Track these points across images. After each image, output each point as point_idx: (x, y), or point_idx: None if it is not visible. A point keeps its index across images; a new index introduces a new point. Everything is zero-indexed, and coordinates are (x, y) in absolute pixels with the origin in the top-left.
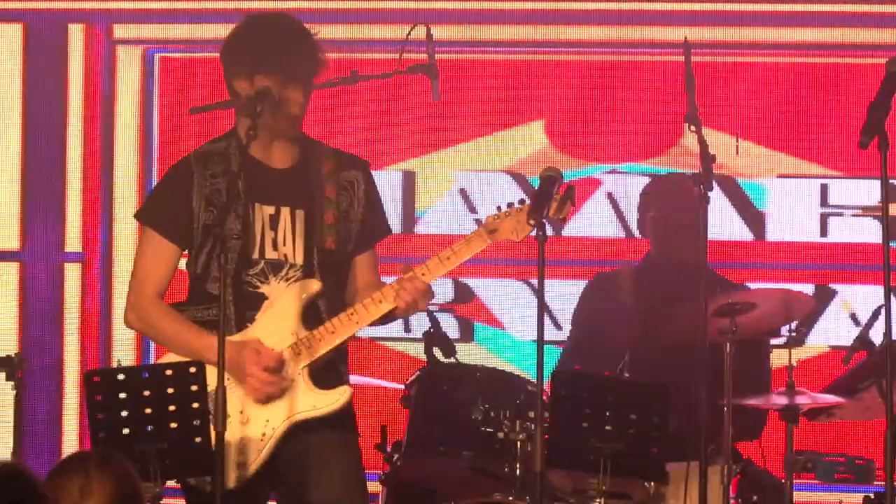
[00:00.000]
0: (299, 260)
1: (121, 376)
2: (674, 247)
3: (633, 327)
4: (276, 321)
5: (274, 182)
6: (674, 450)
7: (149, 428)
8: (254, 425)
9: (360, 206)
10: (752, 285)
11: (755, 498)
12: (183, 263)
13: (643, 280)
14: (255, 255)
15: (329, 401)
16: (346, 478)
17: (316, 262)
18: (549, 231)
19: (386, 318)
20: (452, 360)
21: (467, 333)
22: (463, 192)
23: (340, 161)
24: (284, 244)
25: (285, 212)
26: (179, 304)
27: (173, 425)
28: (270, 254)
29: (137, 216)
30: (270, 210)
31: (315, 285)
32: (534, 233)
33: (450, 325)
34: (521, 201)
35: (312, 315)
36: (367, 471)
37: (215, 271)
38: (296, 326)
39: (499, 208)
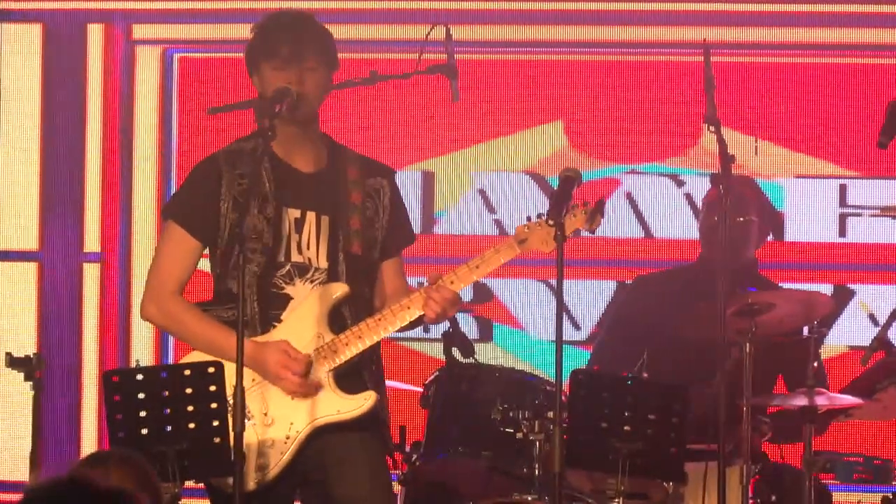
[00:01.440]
0: (323, 264)
1: (139, 376)
2: (735, 250)
3: (657, 327)
4: (302, 323)
5: (300, 185)
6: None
7: (168, 428)
8: (278, 427)
9: (385, 214)
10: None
11: (774, 498)
12: (204, 264)
13: (695, 282)
14: (281, 258)
15: (353, 406)
16: (369, 474)
17: (342, 266)
18: (571, 232)
19: (413, 324)
20: (471, 360)
21: (486, 334)
22: (482, 192)
23: (366, 167)
24: (308, 248)
25: (311, 216)
26: (204, 303)
27: (192, 425)
28: (295, 257)
29: (164, 211)
30: (296, 213)
31: (342, 288)
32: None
33: (469, 326)
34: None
35: (338, 319)
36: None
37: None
38: (321, 329)
39: (528, 218)
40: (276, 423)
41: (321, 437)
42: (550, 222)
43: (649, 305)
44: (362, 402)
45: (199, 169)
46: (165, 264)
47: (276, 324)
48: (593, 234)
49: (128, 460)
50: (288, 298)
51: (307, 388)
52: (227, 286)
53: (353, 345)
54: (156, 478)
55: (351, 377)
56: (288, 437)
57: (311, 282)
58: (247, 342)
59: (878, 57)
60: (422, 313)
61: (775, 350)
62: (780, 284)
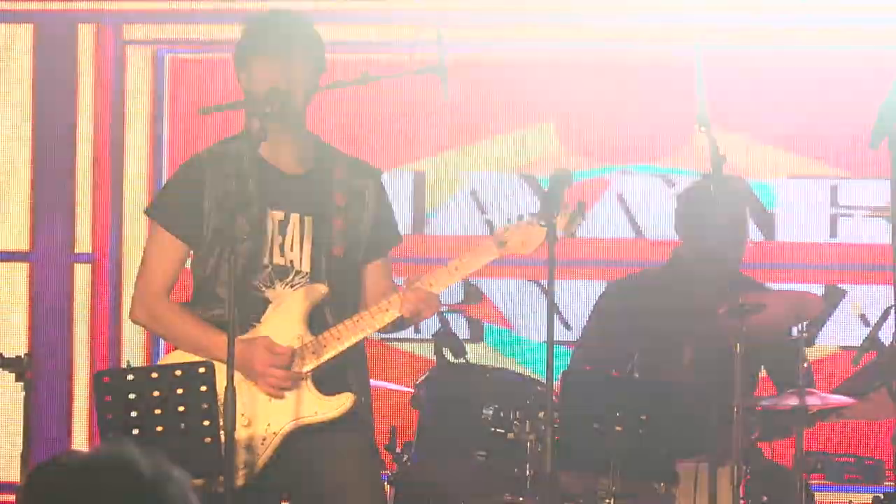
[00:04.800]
0: (306, 267)
1: (130, 377)
2: (709, 247)
3: (644, 331)
4: (282, 324)
5: (285, 187)
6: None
7: (158, 428)
8: (254, 428)
9: (369, 215)
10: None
11: (765, 498)
12: (188, 264)
13: (671, 281)
14: (264, 260)
15: (331, 406)
16: (357, 476)
17: (323, 269)
18: (559, 232)
19: (396, 326)
20: (462, 360)
21: (477, 334)
22: (473, 192)
23: (352, 168)
24: (292, 250)
25: (294, 218)
26: (185, 304)
27: (183, 426)
28: (278, 259)
29: (147, 211)
30: (280, 215)
31: (321, 289)
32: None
33: (459, 326)
34: (532, 214)
35: (318, 320)
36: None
37: (224, 274)
38: (301, 330)
39: (508, 220)
40: (253, 423)
41: (304, 439)
42: (541, 223)
43: (628, 307)
44: (340, 403)
45: (182, 170)
46: (150, 267)
47: (255, 325)
48: (572, 236)
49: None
50: (268, 303)
51: (288, 384)
52: (209, 287)
53: (332, 346)
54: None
55: (332, 378)
56: (265, 438)
57: (292, 286)
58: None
59: (870, 57)
60: (400, 314)
61: (760, 350)
62: (766, 284)
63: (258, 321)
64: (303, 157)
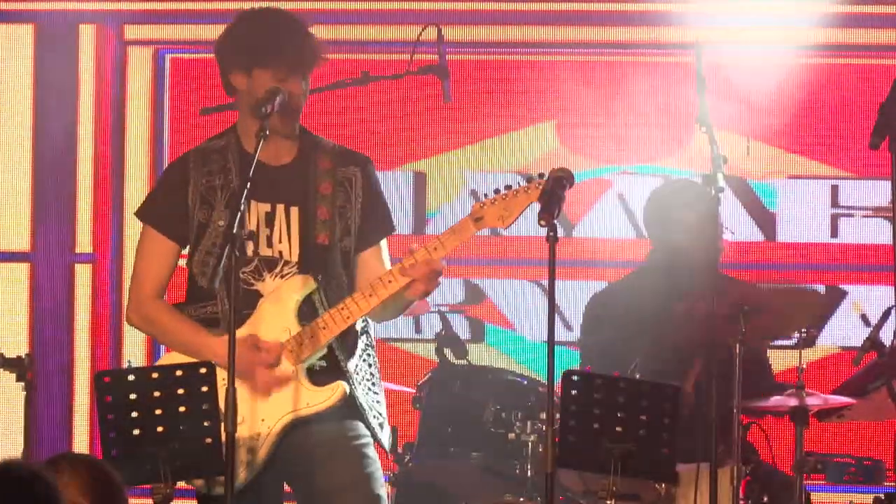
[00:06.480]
0: (294, 257)
1: (131, 377)
2: (683, 247)
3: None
4: (272, 317)
5: (270, 179)
6: (685, 450)
7: (159, 429)
8: (249, 425)
9: (357, 203)
10: (763, 286)
11: (765, 499)
12: (184, 262)
13: (649, 282)
14: (249, 253)
15: (322, 398)
16: (352, 464)
17: (310, 257)
18: (561, 232)
19: (388, 309)
20: (463, 361)
21: (478, 335)
22: (474, 192)
23: (339, 157)
24: (280, 241)
25: (280, 209)
26: (180, 304)
27: (183, 426)
28: (265, 251)
29: (137, 213)
30: (266, 207)
31: (310, 281)
32: (520, 220)
33: (461, 327)
34: (508, 187)
35: (308, 311)
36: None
37: (212, 270)
38: (290, 322)
39: (485, 196)
40: (247, 421)
41: (300, 430)
42: (505, 197)
43: (620, 313)
44: (330, 393)
45: (169, 170)
46: (143, 268)
47: (247, 319)
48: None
49: (78, 463)
50: (257, 295)
51: (278, 379)
52: (198, 284)
53: (319, 336)
54: (108, 482)
55: (322, 369)
56: (260, 434)
57: (282, 276)
58: (219, 340)
59: (870, 57)
60: (380, 300)
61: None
62: (764, 285)
63: (249, 315)
64: (288, 148)
